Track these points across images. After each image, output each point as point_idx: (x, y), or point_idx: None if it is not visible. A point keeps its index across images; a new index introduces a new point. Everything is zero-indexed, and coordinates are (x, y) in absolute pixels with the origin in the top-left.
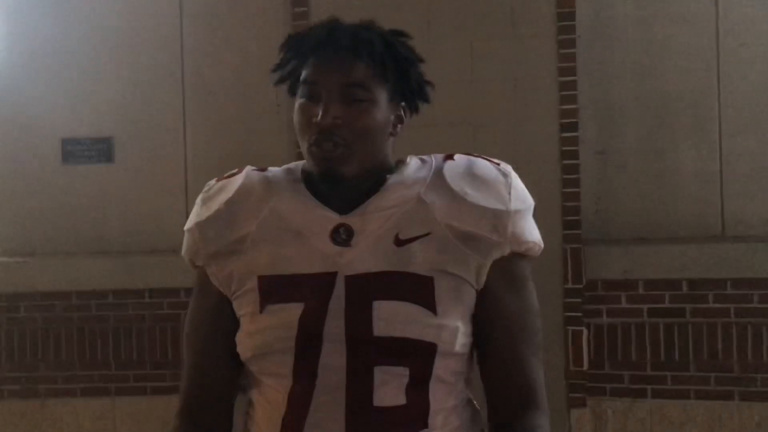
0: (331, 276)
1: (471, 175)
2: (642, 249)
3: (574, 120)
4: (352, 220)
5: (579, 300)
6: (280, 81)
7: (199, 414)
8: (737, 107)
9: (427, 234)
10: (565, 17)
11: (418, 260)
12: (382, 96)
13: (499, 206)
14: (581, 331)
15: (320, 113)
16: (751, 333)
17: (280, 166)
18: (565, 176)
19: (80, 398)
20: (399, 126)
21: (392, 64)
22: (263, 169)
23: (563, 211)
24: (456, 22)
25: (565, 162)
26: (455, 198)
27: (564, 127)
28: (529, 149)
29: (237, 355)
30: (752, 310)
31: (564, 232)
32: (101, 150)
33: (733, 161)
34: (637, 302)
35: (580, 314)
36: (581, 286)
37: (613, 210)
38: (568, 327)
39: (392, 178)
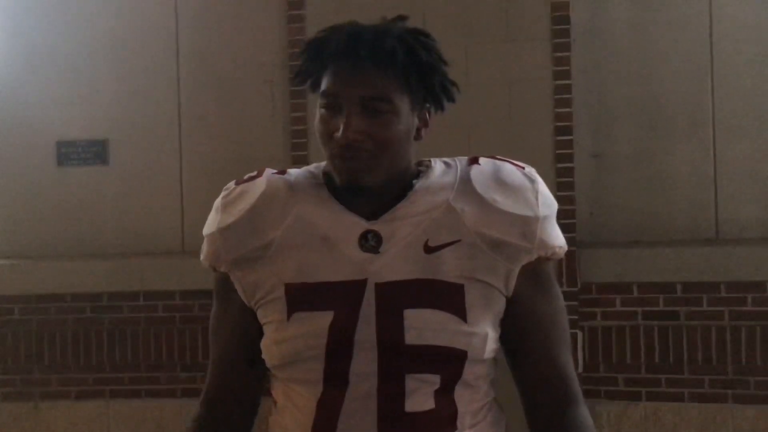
0: (361, 283)
1: (498, 181)
2: (636, 252)
3: (569, 123)
4: (380, 226)
5: (574, 303)
6: (301, 84)
7: (219, 411)
8: (731, 111)
9: (457, 241)
10: (560, 21)
11: (449, 267)
12: (404, 105)
13: (528, 213)
14: (576, 334)
15: (341, 128)
16: (745, 336)
17: (275, 167)
18: (560, 179)
19: (75, 401)
20: (423, 130)
21: (414, 72)
22: (283, 172)
23: (558, 214)
24: (451, 25)
25: (560, 165)
26: (484, 205)
27: (558, 131)
28: (524, 152)
29: (260, 358)
30: (746, 312)
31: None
32: (96, 152)
33: (727, 164)
34: (631, 305)
35: (575, 317)
36: (576, 289)
37: (608, 213)
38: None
39: (418, 184)
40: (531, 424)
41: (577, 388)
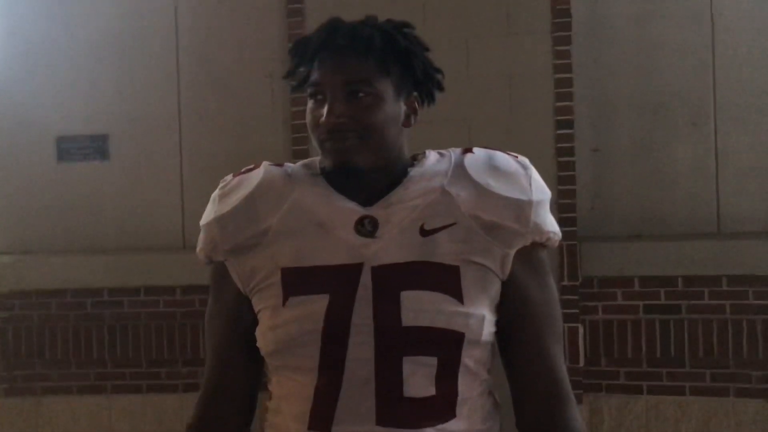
0: (357, 267)
1: (492, 167)
2: (638, 246)
3: (570, 117)
4: (376, 211)
5: (575, 297)
6: (296, 89)
7: (217, 406)
8: (732, 104)
9: (452, 224)
10: (561, 14)
11: (444, 250)
12: (387, 90)
13: (522, 197)
14: (577, 328)
15: (325, 113)
16: (747, 329)
17: (275, 161)
18: (561, 173)
19: (76, 396)
20: (413, 117)
21: (394, 58)
22: (280, 165)
23: (559, 208)
24: (451, 19)
25: (561, 159)
26: (479, 189)
27: (559, 125)
28: (525, 146)
29: (256, 349)
30: (747, 306)
31: (560, 228)
32: (96, 147)
33: (728, 158)
34: (632, 299)
35: (576, 311)
36: (577, 283)
37: (609, 207)
38: (564, 324)
39: (413, 171)
40: (519, 421)
41: (566, 384)
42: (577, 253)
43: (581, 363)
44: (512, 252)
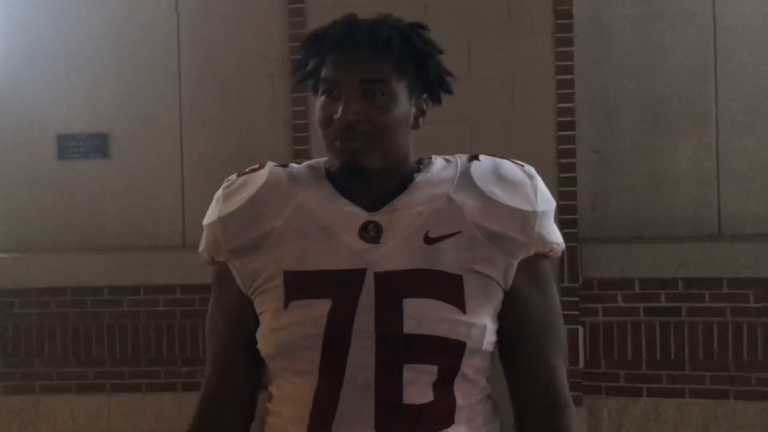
0: (360, 273)
1: (498, 176)
2: (638, 248)
3: (571, 118)
4: (380, 217)
5: (575, 299)
6: (302, 80)
7: (217, 407)
8: (734, 106)
9: (457, 233)
10: (563, 15)
11: (448, 258)
12: (401, 90)
13: (527, 207)
14: (577, 330)
15: (340, 110)
16: (747, 332)
17: (276, 160)
18: (562, 175)
19: (75, 394)
20: (421, 119)
21: (410, 59)
22: (285, 165)
23: (559, 209)
24: (453, 19)
25: (562, 160)
26: (484, 198)
27: (561, 126)
28: (526, 147)
29: (257, 351)
30: (748, 309)
31: (560, 230)
32: (97, 146)
33: (729, 160)
34: (633, 301)
35: (576, 313)
36: (577, 285)
37: (610, 209)
38: (564, 326)
39: (419, 177)
40: (518, 422)
41: (565, 396)
42: (578, 255)
43: (581, 365)
44: (515, 262)
